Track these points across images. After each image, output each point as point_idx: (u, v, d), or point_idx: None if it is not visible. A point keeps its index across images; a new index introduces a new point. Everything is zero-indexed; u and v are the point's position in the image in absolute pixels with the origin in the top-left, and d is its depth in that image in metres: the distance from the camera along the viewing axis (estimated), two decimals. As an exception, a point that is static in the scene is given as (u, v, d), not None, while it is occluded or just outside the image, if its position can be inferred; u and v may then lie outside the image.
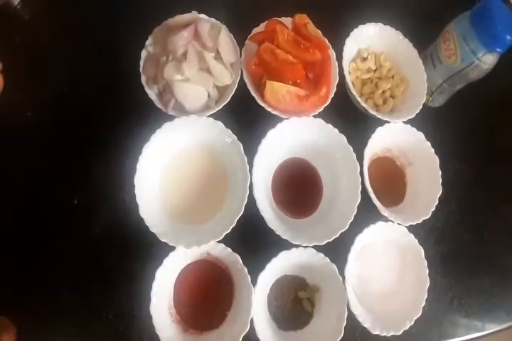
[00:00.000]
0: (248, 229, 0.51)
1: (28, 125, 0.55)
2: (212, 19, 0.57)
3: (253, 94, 0.55)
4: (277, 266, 0.50)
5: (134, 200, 0.48)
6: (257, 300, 0.48)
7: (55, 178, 0.54)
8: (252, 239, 0.52)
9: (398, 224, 0.54)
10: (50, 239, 0.52)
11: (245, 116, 0.57)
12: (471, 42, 0.55)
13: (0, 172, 0.53)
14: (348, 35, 0.59)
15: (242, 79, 0.55)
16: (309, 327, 0.52)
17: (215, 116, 0.53)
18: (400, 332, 0.51)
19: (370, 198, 0.54)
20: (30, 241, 0.51)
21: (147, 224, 0.47)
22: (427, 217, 0.56)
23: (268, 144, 0.53)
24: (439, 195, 0.57)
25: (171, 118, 0.51)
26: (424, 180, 0.59)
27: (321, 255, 0.51)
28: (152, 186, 0.51)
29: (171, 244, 0.47)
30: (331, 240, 0.51)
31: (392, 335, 0.51)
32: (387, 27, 0.62)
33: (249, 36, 0.58)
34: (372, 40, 0.62)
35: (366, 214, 0.54)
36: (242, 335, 0.46)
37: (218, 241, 0.49)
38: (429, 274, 0.54)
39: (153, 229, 0.47)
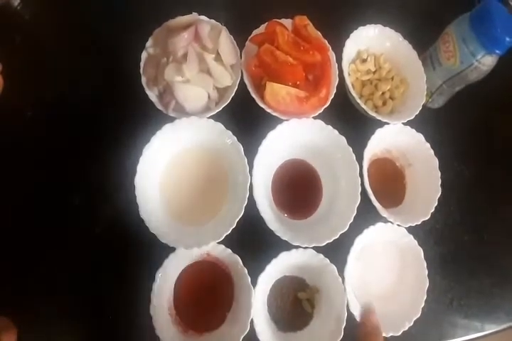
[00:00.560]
0: (248, 230, 0.51)
1: (28, 125, 0.55)
2: (213, 21, 0.57)
3: (253, 95, 0.55)
4: (277, 267, 0.50)
5: (135, 201, 0.48)
6: (256, 301, 0.48)
7: (55, 178, 0.54)
8: (252, 240, 0.52)
9: (398, 225, 0.54)
10: (51, 239, 0.52)
11: (245, 118, 0.57)
12: (470, 44, 0.55)
13: (0, 172, 0.53)
14: (347, 37, 0.59)
15: (242, 80, 0.55)
16: (309, 328, 0.52)
17: (216, 117, 0.53)
18: (399, 333, 0.51)
19: (369, 199, 0.54)
20: (30, 241, 0.51)
21: (147, 225, 0.47)
22: (427, 218, 0.56)
23: (268, 145, 0.53)
24: (438, 196, 0.57)
25: (171, 119, 0.51)
26: (424, 181, 0.59)
27: (321, 256, 0.51)
28: (152, 187, 0.51)
29: (171, 245, 0.47)
30: (330, 241, 0.51)
31: (391, 336, 0.51)
32: (387, 28, 0.62)
33: (250, 38, 0.58)
34: (372, 42, 0.63)
35: (366, 216, 0.54)
36: (242, 336, 0.47)
37: (218, 242, 0.49)
38: (429, 275, 0.54)
39: (153, 230, 0.47)
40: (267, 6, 0.64)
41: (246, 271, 0.48)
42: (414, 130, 0.59)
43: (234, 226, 0.48)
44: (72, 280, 0.50)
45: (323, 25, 0.60)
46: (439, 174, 0.58)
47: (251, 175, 0.51)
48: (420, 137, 0.59)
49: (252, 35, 0.58)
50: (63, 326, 0.49)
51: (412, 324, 0.52)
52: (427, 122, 0.61)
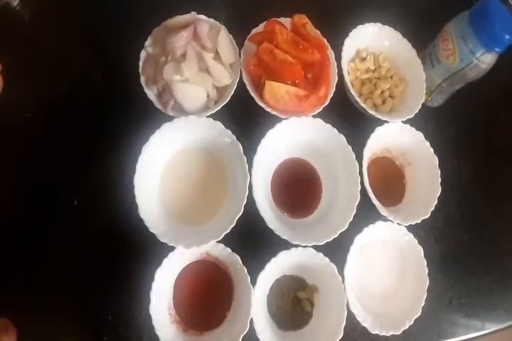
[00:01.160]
0: (248, 229, 0.51)
1: (28, 125, 0.55)
2: (212, 20, 0.57)
3: (252, 94, 0.55)
4: (277, 266, 0.50)
5: (134, 201, 0.48)
6: (256, 300, 0.48)
7: (55, 178, 0.54)
8: (252, 239, 0.52)
9: (398, 223, 0.54)
10: (50, 239, 0.52)
11: (244, 117, 0.57)
12: (469, 42, 0.55)
13: (0, 172, 0.53)
14: (346, 35, 0.59)
15: (241, 79, 0.55)
16: (309, 327, 0.52)
17: (215, 116, 0.53)
18: (400, 332, 0.51)
19: (369, 198, 0.54)
20: (30, 241, 0.51)
21: (146, 224, 0.47)
22: (427, 217, 0.56)
23: (267, 144, 0.53)
24: (438, 194, 0.57)
25: (170, 118, 0.51)
26: (424, 180, 0.59)
27: (321, 255, 0.51)
28: (152, 186, 0.51)
29: (170, 245, 0.47)
30: (330, 240, 0.51)
31: (391, 335, 0.51)
32: (386, 27, 0.62)
33: (249, 37, 0.58)
34: (371, 40, 0.62)
35: (365, 214, 0.54)
36: (242, 335, 0.46)
37: (218, 242, 0.49)
38: (429, 274, 0.54)
39: (152, 230, 0.47)
40: (265, 5, 0.64)
41: (246, 270, 0.48)
42: (413, 128, 0.59)
43: (233, 226, 0.48)
44: (72, 280, 0.50)
45: (322, 23, 0.60)
46: (439, 172, 0.58)
47: (250, 174, 0.50)
48: (420, 135, 0.59)
49: (251, 34, 0.58)
50: (63, 326, 0.49)
51: (412, 322, 0.52)
52: (426, 121, 0.61)
